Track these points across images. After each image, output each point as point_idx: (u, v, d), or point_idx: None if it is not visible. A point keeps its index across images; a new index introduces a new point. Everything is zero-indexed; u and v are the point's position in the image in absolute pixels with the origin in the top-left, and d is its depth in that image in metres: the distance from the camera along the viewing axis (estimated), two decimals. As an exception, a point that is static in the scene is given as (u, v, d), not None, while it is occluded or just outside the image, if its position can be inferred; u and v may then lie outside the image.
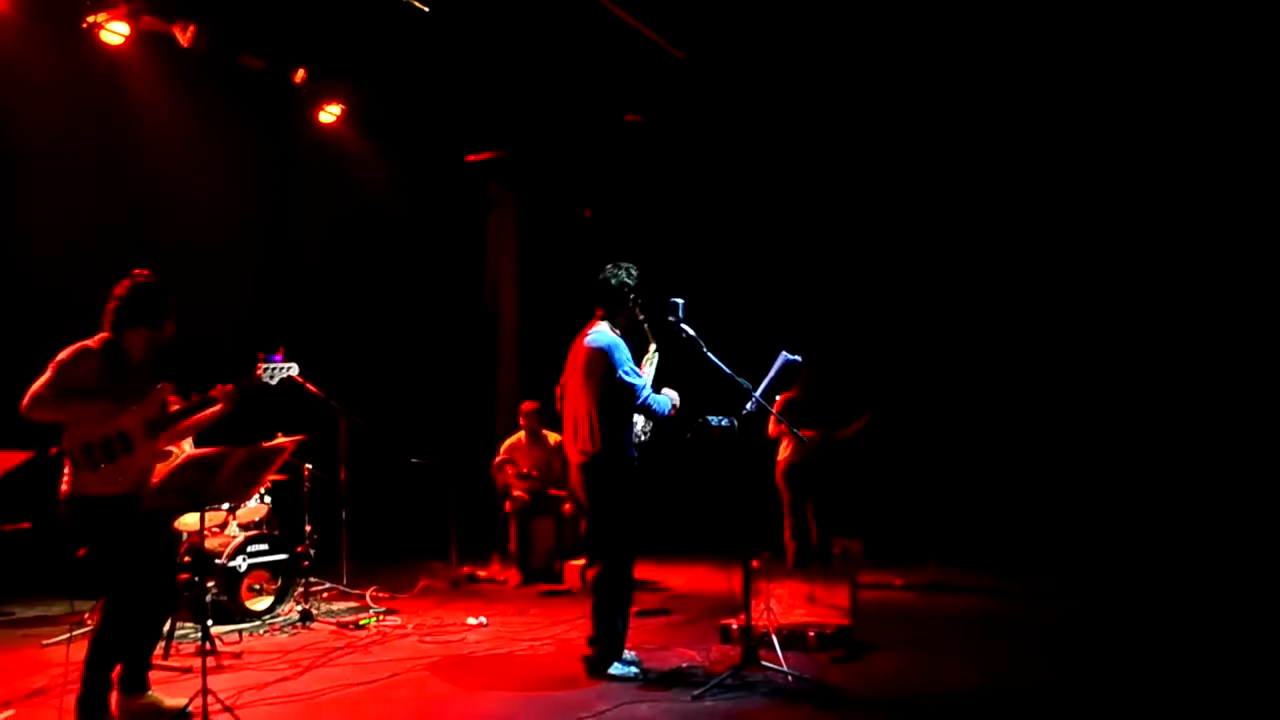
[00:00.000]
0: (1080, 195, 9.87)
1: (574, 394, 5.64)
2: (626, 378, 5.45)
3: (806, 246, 11.17)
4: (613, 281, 5.66)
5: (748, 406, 5.57)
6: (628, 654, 5.57)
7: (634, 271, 5.70)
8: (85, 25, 8.38)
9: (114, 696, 4.62)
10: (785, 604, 6.43)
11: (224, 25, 8.79)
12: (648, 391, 5.49)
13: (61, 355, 4.59)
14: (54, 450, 4.56)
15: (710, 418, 5.51)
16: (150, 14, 8.50)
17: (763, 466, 8.16)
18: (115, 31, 8.47)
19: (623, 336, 5.63)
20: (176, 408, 4.83)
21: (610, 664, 5.48)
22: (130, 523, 4.59)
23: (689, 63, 9.64)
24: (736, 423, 5.51)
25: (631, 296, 5.65)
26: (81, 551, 5.90)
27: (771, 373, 5.75)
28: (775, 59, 9.59)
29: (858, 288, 10.93)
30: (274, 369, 5.02)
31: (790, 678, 5.27)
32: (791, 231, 11.24)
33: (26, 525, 6.82)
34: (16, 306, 8.18)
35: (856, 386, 9.03)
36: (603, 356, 5.49)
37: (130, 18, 8.43)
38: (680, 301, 5.50)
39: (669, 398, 5.60)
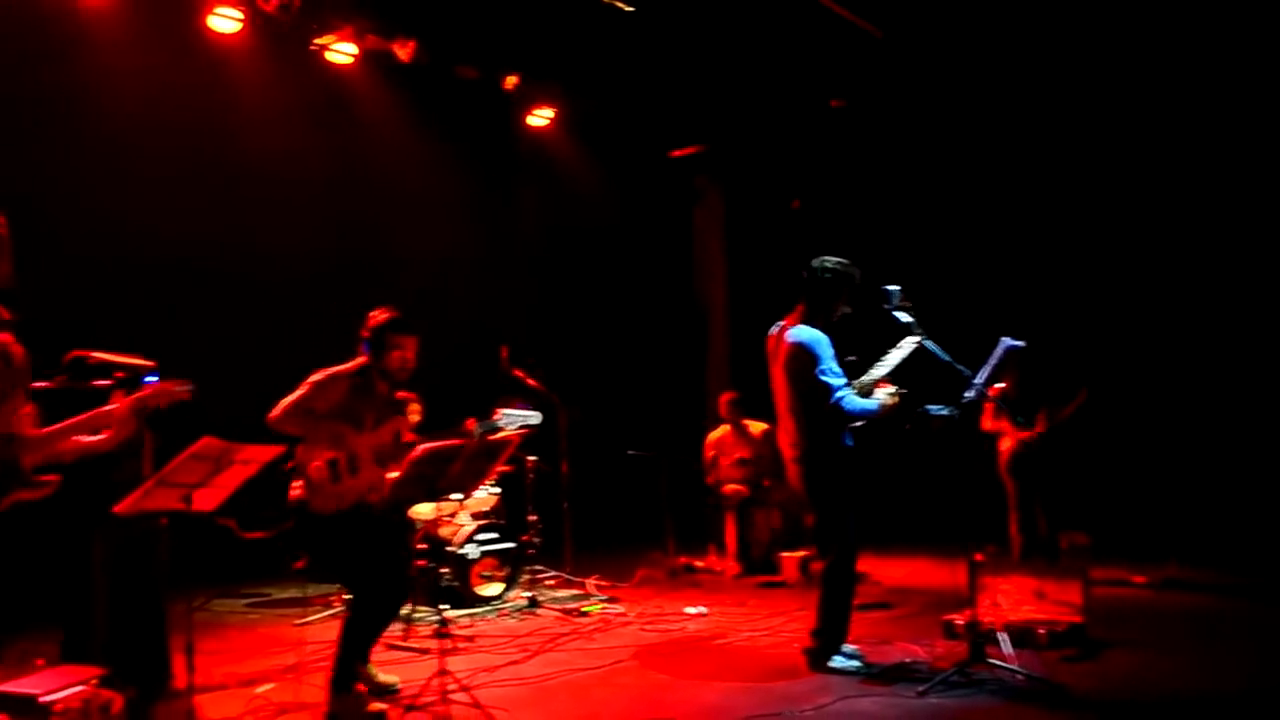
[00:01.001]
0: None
1: (778, 390, 5.58)
2: (823, 377, 5.29)
3: (1019, 227, 10.72)
4: (811, 275, 5.50)
5: (968, 395, 5.34)
6: (849, 647, 5.49)
7: (839, 266, 5.48)
8: (313, 47, 8.96)
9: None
10: (1012, 600, 6.20)
11: (439, 39, 9.20)
12: (844, 392, 5.28)
13: (316, 376, 4.85)
14: (290, 465, 4.79)
15: (930, 407, 5.33)
16: (372, 33, 9.01)
17: (985, 457, 7.88)
18: (341, 52, 9.03)
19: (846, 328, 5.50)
20: (417, 419, 5.07)
21: (832, 656, 5.42)
22: (355, 531, 4.82)
23: (890, 42, 9.40)
24: (957, 412, 5.32)
25: (836, 292, 5.48)
26: (299, 564, 6.34)
27: (993, 359, 5.43)
28: (981, 32, 9.23)
29: (1079, 268, 10.40)
30: (511, 417, 5.30)
31: (1020, 676, 5.07)
32: (1002, 212, 10.82)
33: (259, 534, 7.37)
34: (263, 313, 8.83)
35: (1069, 373, 8.57)
36: (801, 353, 5.37)
37: (354, 38, 8.96)
38: (894, 289, 5.31)
39: (877, 399, 5.32)
